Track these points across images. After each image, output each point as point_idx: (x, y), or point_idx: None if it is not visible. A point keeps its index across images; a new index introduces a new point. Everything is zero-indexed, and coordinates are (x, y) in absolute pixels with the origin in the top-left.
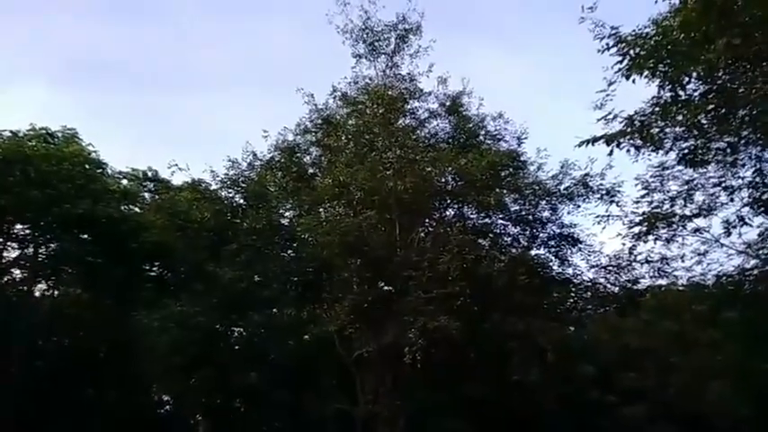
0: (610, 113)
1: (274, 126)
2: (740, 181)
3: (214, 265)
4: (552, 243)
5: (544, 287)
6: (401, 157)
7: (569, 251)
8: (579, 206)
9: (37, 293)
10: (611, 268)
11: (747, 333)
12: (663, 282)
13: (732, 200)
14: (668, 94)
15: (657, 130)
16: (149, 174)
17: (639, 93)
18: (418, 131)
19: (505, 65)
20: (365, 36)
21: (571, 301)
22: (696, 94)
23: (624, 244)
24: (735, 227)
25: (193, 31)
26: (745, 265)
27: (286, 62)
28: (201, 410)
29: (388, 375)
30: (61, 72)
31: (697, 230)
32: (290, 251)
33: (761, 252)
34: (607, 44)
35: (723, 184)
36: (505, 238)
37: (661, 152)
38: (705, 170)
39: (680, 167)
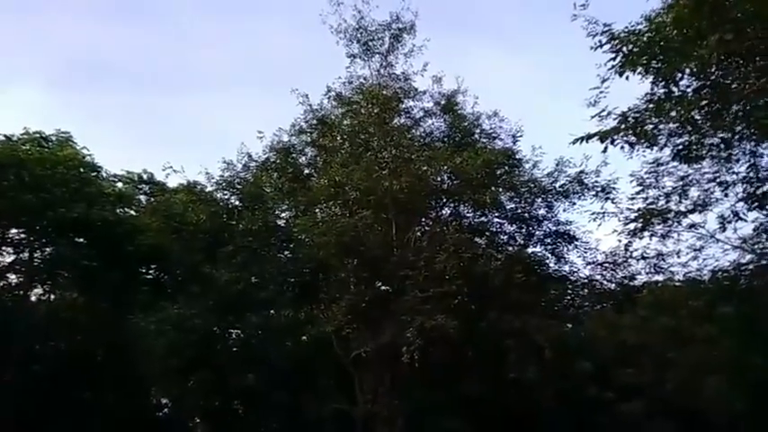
0: (604, 110)
1: (270, 127)
2: (734, 176)
3: (210, 267)
4: (548, 241)
5: (541, 285)
6: (396, 156)
7: (565, 248)
8: (575, 203)
9: (33, 298)
10: (607, 265)
11: (743, 328)
12: (659, 278)
13: (727, 195)
14: (662, 91)
15: (651, 126)
16: (144, 176)
17: (633, 89)
18: (413, 131)
19: (501, 63)
20: (359, 36)
21: (568, 298)
22: (689, 90)
23: (620, 240)
24: (730, 222)
25: (188, 32)
26: (741, 260)
27: (281, 63)
28: (200, 413)
29: (386, 375)
30: (57, 73)
31: (692, 226)
32: (286, 252)
33: (756, 247)
34: (600, 41)
35: (718, 180)
36: (502, 237)
37: (655, 148)
38: (699, 166)
39: (674, 163)
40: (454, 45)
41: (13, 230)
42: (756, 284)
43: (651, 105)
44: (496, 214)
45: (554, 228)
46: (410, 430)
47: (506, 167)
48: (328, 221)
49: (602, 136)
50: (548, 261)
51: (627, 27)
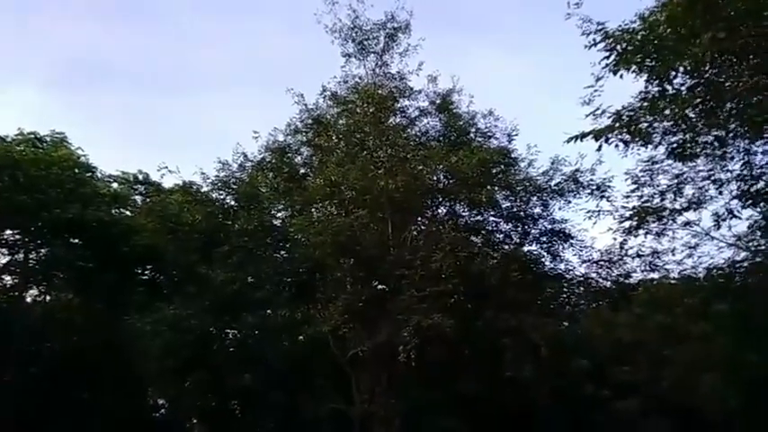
0: (598, 109)
1: (265, 126)
2: (729, 174)
3: (206, 267)
4: (544, 239)
5: (537, 283)
6: (392, 155)
7: (561, 247)
8: (570, 202)
9: (28, 299)
10: (602, 263)
11: (738, 325)
12: (654, 275)
13: (721, 193)
14: (656, 89)
15: (646, 124)
16: (140, 177)
17: (627, 88)
18: (409, 130)
19: (495, 62)
20: (354, 35)
21: (564, 296)
22: (683, 88)
23: (615, 239)
24: (724, 220)
25: (184, 33)
26: (736, 258)
27: (276, 63)
28: (197, 413)
29: (382, 374)
30: (53, 73)
31: (687, 224)
32: (282, 252)
33: (751, 244)
34: (594, 40)
35: (712, 178)
36: (497, 235)
37: (650, 146)
38: (694, 164)
39: (669, 161)
40: (449, 44)
41: (8, 231)
42: (751, 282)
43: (645, 104)
44: (492, 213)
45: (549, 226)
46: (407, 429)
47: (502, 166)
48: (324, 221)
49: (597, 134)
50: (543, 259)
51: (621, 25)
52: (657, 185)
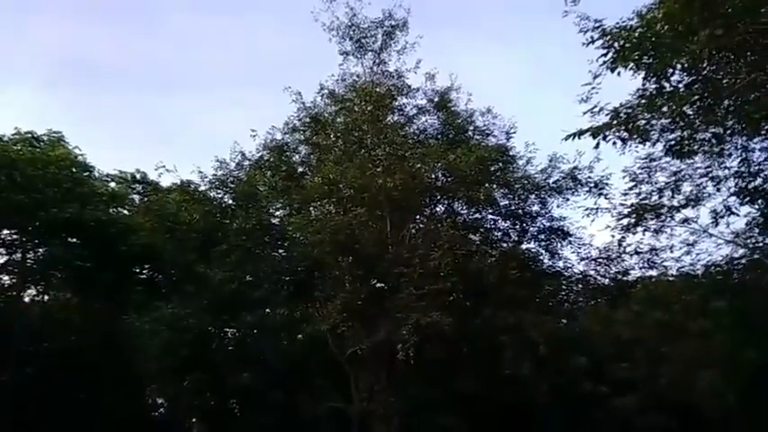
0: (596, 106)
1: (263, 125)
2: (727, 171)
3: (204, 266)
4: (542, 237)
5: (535, 281)
6: (390, 153)
7: (559, 244)
8: (568, 199)
9: (27, 299)
10: (601, 260)
11: (737, 322)
12: (653, 272)
13: (719, 190)
14: (653, 86)
15: (643, 121)
16: (137, 176)
17: (625, 85)
18: (407, 128)
19: (494, 60)
20: (352, 33)
21: (562, 293)
22: (681, 85)
23: (613, 236)
24: (722, 217)
25: (180, 31)
26: (734, 255)
27: (274, 61)
28: (196, 412)
29: (381, 373)
30: (50, 73)
31: (685, 221)
32: (280, 251)
33: (749, 241)
34: (592, 37)
35: (710, 175)
36: (496, 233)
37: (648, 144)
38: (692, 161)
39: (667, 159)
40: (447, 42)
41: (5, 231)
42: (749, 279)
43: (643, 101)
44: (490, 211)
45: (548, 224)
46: (406, 427)
47: (500, 164)
48: (322, 219)
49: (595, 132)
50: (542, 257)
51: (618, 23)
52: (655, 183)
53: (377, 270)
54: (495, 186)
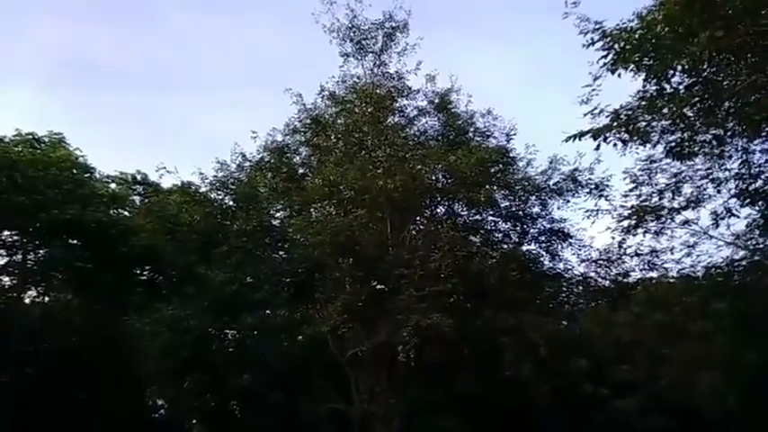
0: (596, 108)
1: (264, 126)
2: (727, 173)
3: (205, 267)
4: (543, 238)
5: (536, 282)
6: (391, 155)
7: (560, 246)
8: (568, 201)
9: (27, 300)
10: (601, 262)
11: (737, 324)
12: (653, 274)
13: (719, 192)
14: (654, 88)
15: (644, 123)
16: (138, 177)
17: (625, 87)
18: (407, 129)
19: (493, 60)
20: (352, 35)
21: (562, 295)
22: (681, 87)
23: (614, 238)
24: (723, 218)
25: (181, 32)
26: (734, 257)
27: (275, 62)
28: (196, 413)
29: (382, 374)
30: (50, 73)
31: (685, 223)
32: (281, 252)
33: (749, 243)
34: (592, 39)
35: (710, 177)
36: (496, 235)
37: (648, 145)
38: (692, 163)
39: (667, 160)
40: (448, 43)
41: (6, 232)
42: (750, 280)
43: (643, 102)
44: (491, 212)
45: (548, 225)
46: (406, 429)
47: (500, 166)
48: (323, 221)
49: (595, 133)
50: (542, 259)
51: (618, 24)
52: (656, 184)
53: (377, 271)
54: (495, 188)
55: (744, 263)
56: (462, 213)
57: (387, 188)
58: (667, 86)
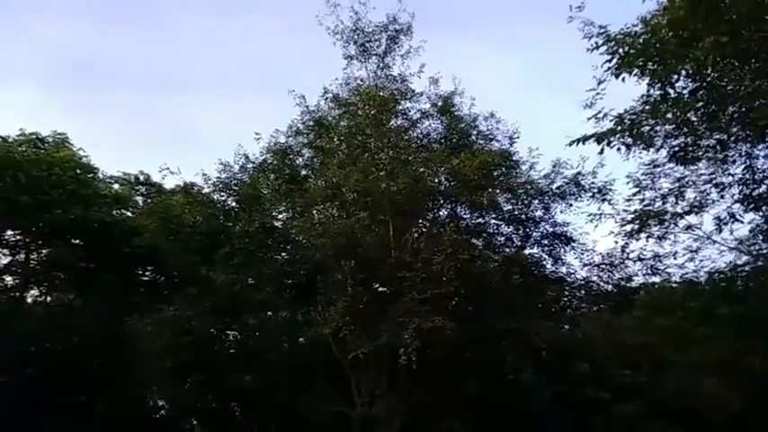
0: (600, 112)
1: (267, 128)
2: (731, 178)
3: (207, 268)
4: (545, 242)
5: (538, 286)
6: (393, 157)
7: (562, 250)
8: (571, 205)
9: (29, 300)
10: (604, 266)
11: (740, 329)
12: (656, 279)
13: (723, 197)
14: (657, 93)
15: (648, 128)
16: (141, 178)
17: (629, 91)
18: (410, 132)
19: (497, 63)
20: (356, 37)
21: (565, 299)
22: (685, 91)
23: (617, 242)
24: (726, 223)
25: (184, 33)
26: (737, 262)
27: (278, 64)
28: (197, 414)
29: (383, 377)
30: (52, 73)
31: (689, 227)
32: (283, 254)
33: (752, 248)
34: (596, 43)
35: (714, 181)
36: (499, 238)
37: (652, 150)
38: (696, 167)
39: (671, 165)
40: (451, 46)
41: (9, 232)
42: (753, 286)
43: (647, 107)
44: (493, 216)
45: (551, 229)
46: None
47: (503, 169)
48: (325, 223)
49: (599, 138)
50: (545, 262)
51: (623, 29)
52: (659, 189)
53: (379, 274)
54: (498, 191)
55: (747, 268)
56: (465, 216)
57: (389, 191)
58: (671, 91)
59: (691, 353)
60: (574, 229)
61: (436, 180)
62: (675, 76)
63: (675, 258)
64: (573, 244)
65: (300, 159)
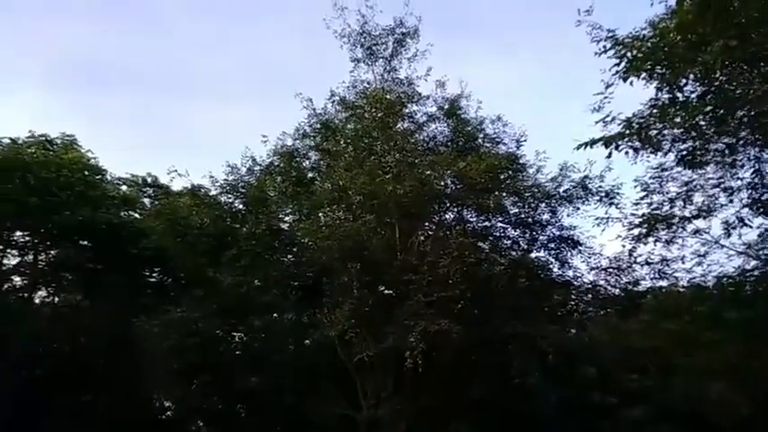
0: (608, 116)
1: (274, 131)
2: (739, 182)
3: (214, 270)
4: (552, 246)
5: (544, 290)
6: (400, 160)
7: (569, 254)
8: (579, 208)
9: (37, 300)
10: (611, 270)
11: (748, 333)
12: (663, 283)
13: (731, 201)
14: (666, 96)
15: (656, 131)
16: (149, 179)
17: (637, 95)
18: (417, 135)
19: (504, 67)
20: (363, 40)
21: (572, 303)
22: (694, 95)
23: (624, 246)
24: (734, 228)
25: (192, 35)
26: (746, 266)
27: (285, 66)
28: (203, 415)
29: (389, 380)
30: (61, 75)
31: (697, 232)
32: (289, 256)
33: (761, 253)
34: (604, 47)
35: (722, 186)
36: (505, 241)
37: (660, 154)
38: (704, 171)
39: (679, 169)
40: (458, 49)
41: (18, 233)
42: (761, 290)
43: (655, 111)
44: (500, 219)
45: (558, 233)
46: None
47: (510, 172)
48: (332, 225)
49: (607, 141)
50: (551, 266)
51: (631, 33)
52: (667, 193)
53: (385, 277)
54: (504, 194)
55: (755, 272)
56: (471, 220)
57: (396, 193)
58: (680, 95)
59: (698, 357)
60: (581, 233)
61: (443, 183)
62: (684, 80)
63: (683, 262)
64: (580, 247)
65: (307, 162)
